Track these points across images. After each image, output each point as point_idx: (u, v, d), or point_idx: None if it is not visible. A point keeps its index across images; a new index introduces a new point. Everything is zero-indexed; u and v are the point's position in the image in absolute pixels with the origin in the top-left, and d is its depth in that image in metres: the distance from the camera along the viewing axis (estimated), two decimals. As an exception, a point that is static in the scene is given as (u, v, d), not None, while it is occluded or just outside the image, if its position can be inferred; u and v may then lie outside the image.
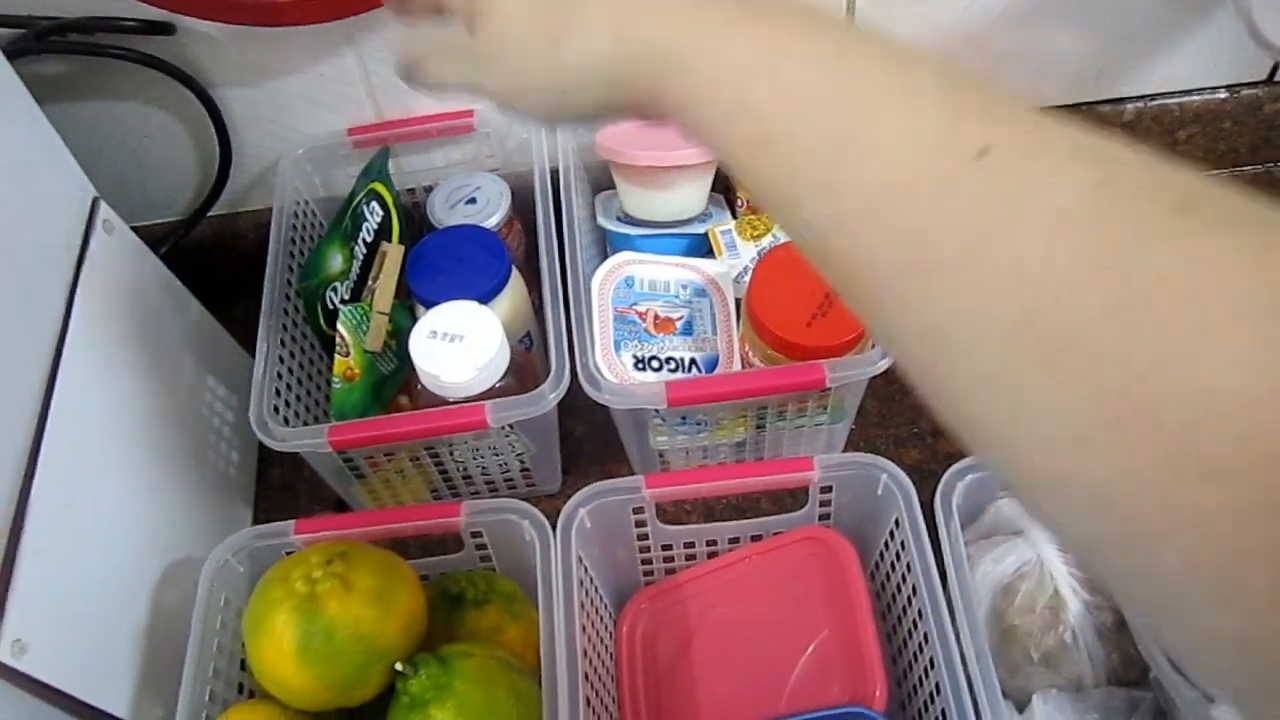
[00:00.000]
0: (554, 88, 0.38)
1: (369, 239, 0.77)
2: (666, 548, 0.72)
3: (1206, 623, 0.24)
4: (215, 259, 0.94)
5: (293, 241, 0.81)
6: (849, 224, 0.29)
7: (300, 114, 0.84)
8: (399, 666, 0.58)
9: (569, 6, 0.36)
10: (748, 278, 0.72)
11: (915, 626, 0.62)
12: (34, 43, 0.72)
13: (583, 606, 0.63)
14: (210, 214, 0.88)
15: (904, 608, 0.65)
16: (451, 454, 0.75)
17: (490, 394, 0.69)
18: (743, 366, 0.74)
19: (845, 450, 0.82)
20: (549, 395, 0.67)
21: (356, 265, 0.78)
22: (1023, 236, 0.26)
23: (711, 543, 0.72)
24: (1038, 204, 0.26)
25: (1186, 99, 0.91)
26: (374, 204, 0.79)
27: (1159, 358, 0.23)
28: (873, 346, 0.70)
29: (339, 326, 0.72)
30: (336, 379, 0.72)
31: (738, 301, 0.76)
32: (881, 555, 0.68)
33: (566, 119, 0.41)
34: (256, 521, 0.83)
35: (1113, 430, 0.24)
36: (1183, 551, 0.23)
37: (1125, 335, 0.24)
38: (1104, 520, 0.25)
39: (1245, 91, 0.91)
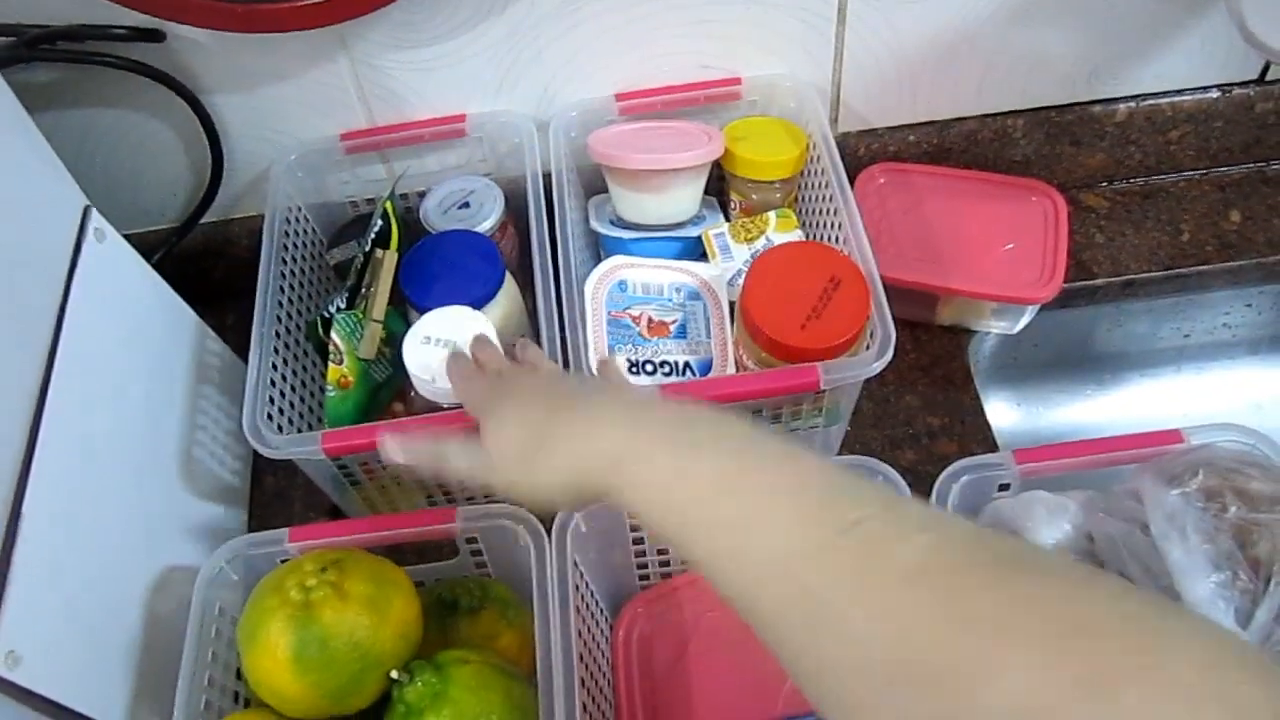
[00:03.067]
0: (536, 493, 0.51)
1: (367, 248, 0.77)
2: (662, 552, 0.72)
3: None
4: (208, 266, 0.94)
5: (285, 248, 0.80)
6: (753, 582, 0.39)
7: (292, 119, 0.84)
8: (394, 674, 0.58)
9: (540, 443, 0.50)
10: (741, 280, 0.72)
11: (912, 629, 0.62)
12: (24, 51, 0.72)
13: (578, 611, 0.62)
14: (202, 221, 0.88)
15: (900, 610, 0.64)
16: (446, 460, 0.74)
17: (484, 399, 0.69)
18: (737, 370, 0.74)
19: (840, 453, 0.82)
20: (543, 400, 0.67)
21: (353, 273, 0.78)
22: (888, 583, 0.35)
23: (707, 546, 0.72)
24: (895, 562, 0.35)
25: (1178, 99, 0.91)
26: (377, 218, 0.79)
27: (980, 674, 0.31)
28: (867, 348, 0.70)
29: (333, 334, 0.72)
30: (330, 387, 0.72)
31: (731, 304, 0.76)
32: (877, 557, 0.68)
33: (552, 509, 0.57)
34: (251, 529, 0.83)
35: None
36: None
37: (956, 656, 0.32)
38: None
39: (1237, 91, 0.91)
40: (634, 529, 0.69)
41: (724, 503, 0.41)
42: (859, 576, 0.35)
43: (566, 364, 0.69)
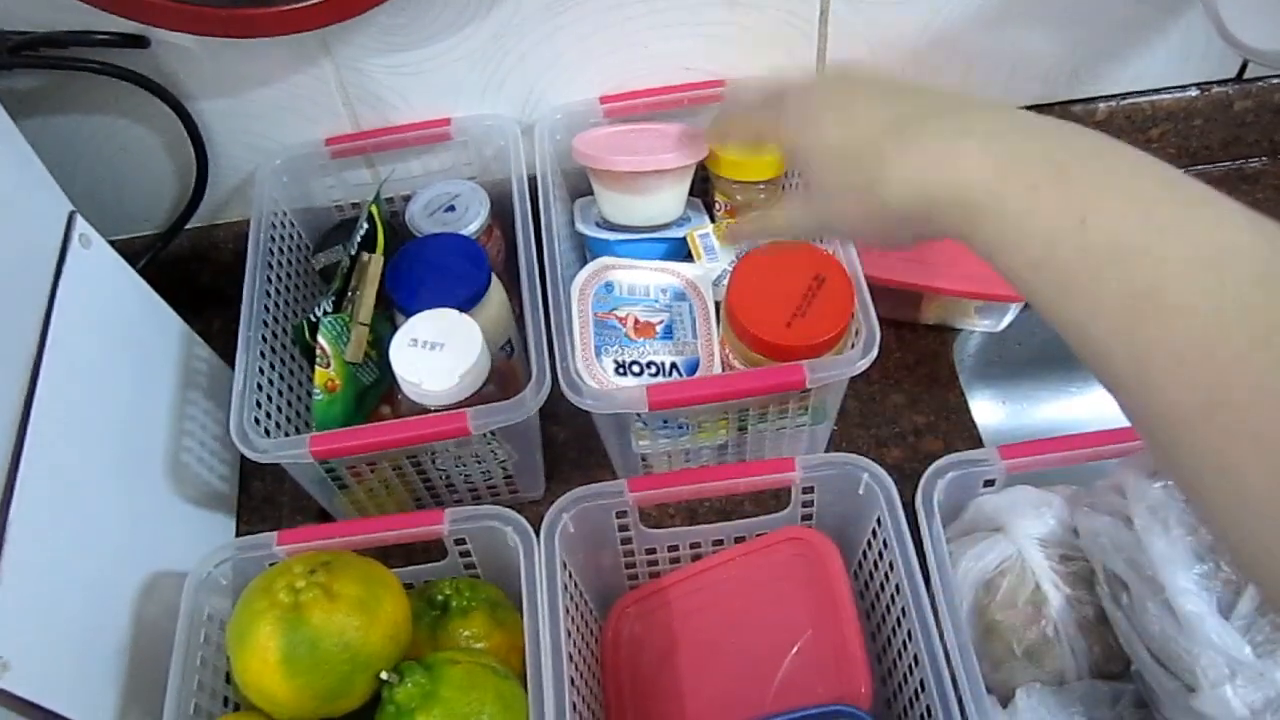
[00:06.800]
0: (875, 224, 0.45)
1: (353, 251, 0.77)
2: (650, 551, 0.72)
3: None
4: (193, 272, 0.94)
5: (271, 253, 0.80)
6: (1153, 375, 0.33)
7: (277, 125, 0.84)
8: (384, 675, 0.58)
9: (867, 164, 0.43)
10: (727, 281, 0.73)
11: (899, 624, 0.63)
12: (7, 57, 0.71)
13: (568, 612, 0.63)
14: (188, 226, 0.88)
15: (887, 606, 0.65)
16: (434, 462, 0.75)
17: (472, 401, 0.69)
18: (723, 369, 0.74)
19: (827, 451, 0.82)
20: (530, 401, 0.67)
21: (339, 277, 0.78)
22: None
23: (695, 545, 0.72)
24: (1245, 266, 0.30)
25: (1158, 97, 0.92)
26: (363, 221, 0.79)
27: None
28: (852, 347, 0.70)
29: (320, 338, 0.72)
30: (318, 390, 0.72)
31: (717, 305, 0.77)
32: (864, 554, 0.69)
33: (895, 245, 0.46)
34: (239, 535, 0.83)
35: None
36: None
37: None
38: None
39: (1215, 89, 0.92)
40: (622, 529, 0.69)
41: (1119, 273, 0.34)
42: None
43: (553, 368, 0.69)
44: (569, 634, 0.62)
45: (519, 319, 0.80)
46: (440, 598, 0.67)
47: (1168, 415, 0.33)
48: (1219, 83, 0.92)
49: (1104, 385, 0.36)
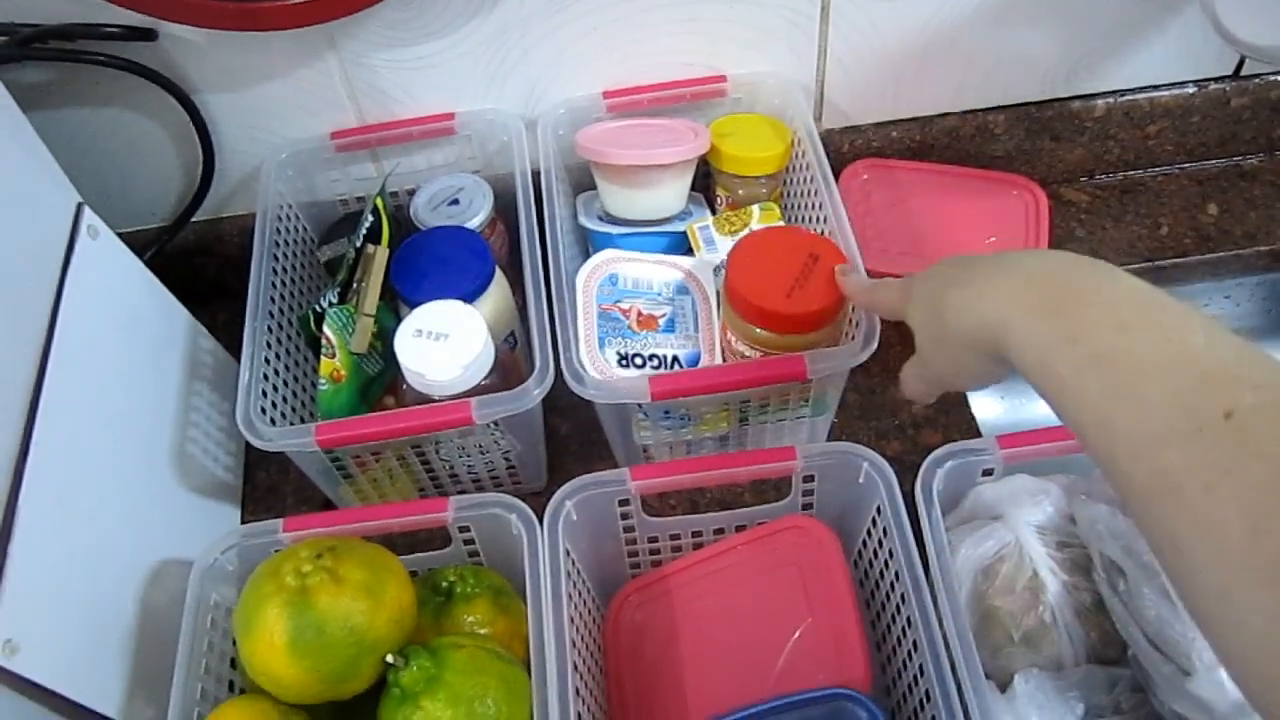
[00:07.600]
0: (949, 353, 0.55)
1: (358, 244, 0.78)
2: (653, 540, 0.73)
3: None
4: (199, 264, 0.94)
5: (276, 245, 0.81)
6: (1118, 458, 0.40)
7: (282, 118, 0.85)
8: (390, 658, 0.58)
9: (946, 291, 0.53)
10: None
11: (898, 611, 0.63)
12: (16, 50, 0.72)
13: (570, 599, 0.63)
14: (194, 219, 0.89)
15: (887, 593, 0.65)
16: (438, 452, 0.75)
17: (475, 392, 0.70)
18: (724, 361, 0.75)
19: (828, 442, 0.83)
20: (534, 391, 0.68)
21: (345, 268, 0.78)
22: (1252, 477, 0.35)
23: (697, 534, 0.73)
24: (1265, 454, 0.35)
25: (1156, 94, 0.93)
26: (368, 214, 0.79)
27: None
28: (852, 338, 0.71)
29: (325, 328, 0.73)
30: (323, 380, 0.73)
31: (718, 295, 0.77)
32: (864, 543, 0.69)
33: (975, 377, 0.56)
34: (244, 524, 0.83)
35: None
36: None
37: None
38: None
39: (1213, 86, 0.93)
40: (625, 517, 0.70)
41: (1096, 376, 0.41)
42: (1224, 469, 0.36)
43: (557, 359, 0.70)
44: (572, 621, 0.62)
45: (522, 312, 0.81)
46: (444, 585, 0.68)
47: (1132, 494, 0.39)
48: (1216, 79, 0.93)
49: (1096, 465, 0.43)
